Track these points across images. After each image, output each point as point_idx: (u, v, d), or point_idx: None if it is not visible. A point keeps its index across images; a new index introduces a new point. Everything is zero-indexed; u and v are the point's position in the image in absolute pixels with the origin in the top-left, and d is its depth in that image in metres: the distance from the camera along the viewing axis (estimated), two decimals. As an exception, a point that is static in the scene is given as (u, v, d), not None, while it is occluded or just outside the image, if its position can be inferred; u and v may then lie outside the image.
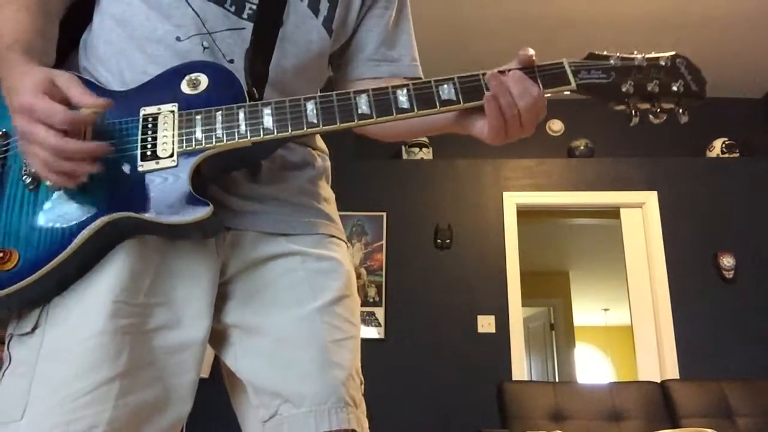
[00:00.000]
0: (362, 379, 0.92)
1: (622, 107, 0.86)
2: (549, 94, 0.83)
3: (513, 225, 4.12)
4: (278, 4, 0.91)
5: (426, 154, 4.41)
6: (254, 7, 0.90)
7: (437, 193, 4.21)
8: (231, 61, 0.88)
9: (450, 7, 3.76)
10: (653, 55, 0.87)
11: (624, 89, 0.85)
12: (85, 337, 0.76)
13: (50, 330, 0.77)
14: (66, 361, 0.75)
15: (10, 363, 0.78)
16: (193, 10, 0.87)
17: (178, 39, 0.87)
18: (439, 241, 4.05)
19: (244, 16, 0.90)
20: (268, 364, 0.87)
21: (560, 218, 4.91)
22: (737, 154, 4.30)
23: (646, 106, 0.86)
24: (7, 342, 0.80)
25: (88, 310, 0.77)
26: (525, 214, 4.25)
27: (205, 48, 0.87)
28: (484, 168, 4.25)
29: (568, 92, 0.85)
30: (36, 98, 0.72)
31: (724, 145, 4.31)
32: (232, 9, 0.89)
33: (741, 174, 4.14)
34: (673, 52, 0.87)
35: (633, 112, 0.86)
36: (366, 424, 0.89)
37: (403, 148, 4.41)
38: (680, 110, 0.87)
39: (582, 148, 4.40)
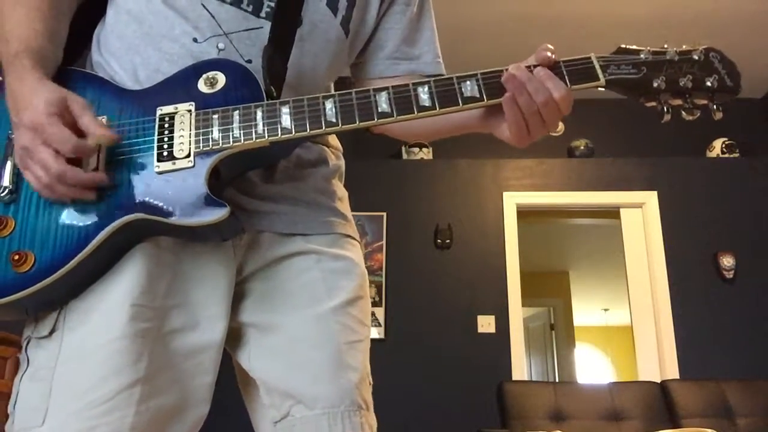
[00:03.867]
0: (371, 380, 0.91)
1: (653, 104, 0.83)
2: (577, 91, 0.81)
3: (513, 225, 4.11)
4: (297, 1, 0.90)
5: (426, 154, 4.41)
6: (272, 5, 0.88)
7: (437, 193, 4.21)
8: (249, 62, 0.86)
9: (447, 7, 3.76)
10: (685, 48, 0.83)
11: (656, 85, 0.82)
12: (105, 341, 0.75)
13: (68, 333, 0.76)
14: (86, 365, 0.74)
15: (28, 366, 0.77)
16: (208, 12, 0.86)
17: (195, 40, 0.86)
18: (439, 241, 4.05)
19: (262, 15, 0.88)
20: (282, 363, 0.86)
21: (560, 218, 4.91)
22: (737, 154, 4.30)
23: (679, 102, 0.83)
24: (24, 345, 0.79)
25: (107, 313, 0.76)
26: (525, 214, 4.25)
27: (220, 50, 0.86)
28: (484, 168, 4.25)
29: (603, 89, 0.82)
30: (47, 119, 0.72)
31: (724, 145, 4.31)
32: (250, 9, 0.88)
33: (741, 174, 4.14)
34: (705, 46, 0.84)
35: (665, 108, 0.83)
36: (375, 424, 0.88)
37: (403, 148, 4.41)
38: (714, 106, 0.83)
39: (582, 148, 4.40)
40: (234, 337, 0.90)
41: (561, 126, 4.57)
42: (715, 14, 3.83)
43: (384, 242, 4.06)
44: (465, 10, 3.83)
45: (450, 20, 3.84)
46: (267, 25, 0.88)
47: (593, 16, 3.88)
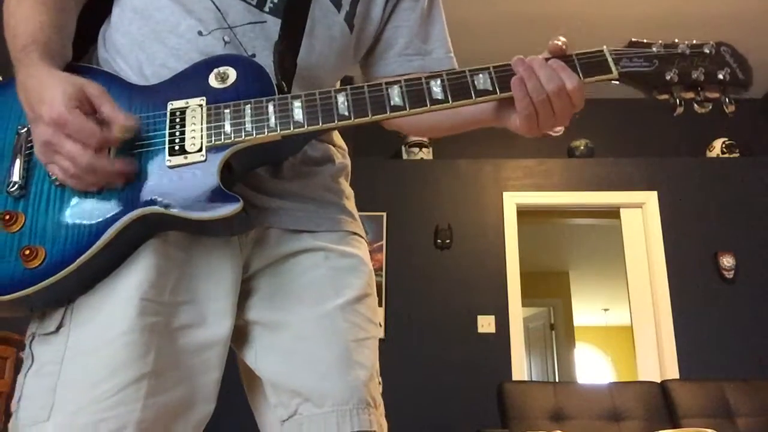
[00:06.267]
0: (380, 379, 0.90)
1: (665, 96, 0.83)
2: (590, 83, 0.81)
3: (513, 225, 4.11)
4: None
5: (426, 154, 4.41)
6: (275, 0, 0.88)
7: (437, 193, 4.21)
8: (253, 56, 0.87)
9: (447, 6, 3.76)
10: (697, 42, 0.84)
11: (668, 77, 0.82)
12: (113, 335, 0.74)
13: (76, 329, 0.76)
14: (94, 360, 0.74)
15: (33, 363, 0.77)
16: (213, 3, 0.86)
17: (200, 33, 0.86)
18: (439, 241, 4.05)
19: (266, 9, 0.88)
20: (289, 361, 0.86)
21: (560, 218, 4.91)
22: (737, 154, 4.30)
23: (691, 95, 0.83)
24: (29, 341, 0.79)
25: (115, 308, 0.75)
26: (525, 214, 4.25)
27: (226, 42, 0.86)
28: (484, 168, 4.25)
29: (616, 82, 0.82)
30: (69, 113, 0.71)
31: (724, 145, 4.31)
32: (254, 2, 0.88)
33: (741, 174, 4.14)
34: (716, 40, 0.84)
35: (677, 101, 0.83)
36: (385, 425, 0.88)
37: (403, 148, 4.41)
38: (726, 99, 0.83)
39: (582, 148, 4.40)
40: (240, 335, 0.89)
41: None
42: (715, 14, 3.83)
43: (384, 242, 4.06)
44: (465, 9, 3.83)
45: (449, 19, 3.84)
46: (270, 20, 0.88)
47: (593, 16, 3.88)
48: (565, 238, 6.29)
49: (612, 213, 4.32)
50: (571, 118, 0.82)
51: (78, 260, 0.73)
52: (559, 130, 0.85)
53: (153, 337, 0.76)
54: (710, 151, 4.37)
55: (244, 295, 0.88)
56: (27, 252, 0.72)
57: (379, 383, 0.90)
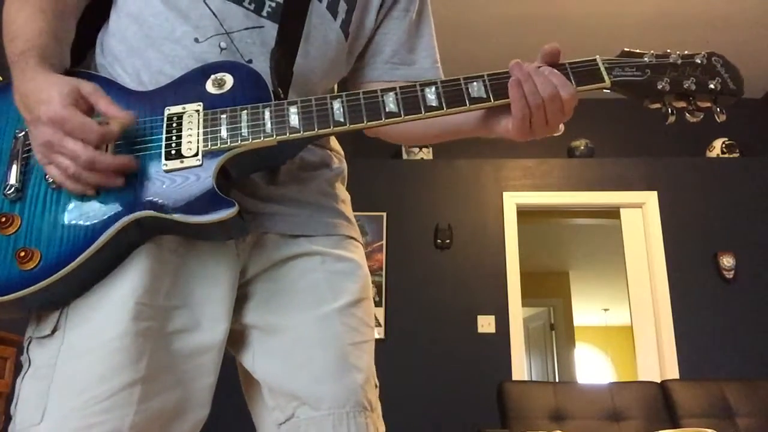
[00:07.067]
0: (377, 382, 0.91)
1: (657, 105, 0.85)
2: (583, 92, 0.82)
3: (513, 225, 4.12)
4: (302, 3, 0.90)
5: (426, 154, 4.41)
6: (273, 5, 0.89)
7: (437, 193, 4.21)
8: (249, 62, 0.87)
9: (445, 8, 3.76)
10: (688, 52, 0.85)
11: (660, 87, 0.83)
12: (107, 339, 0.75)
13: (70, 332, 0.76)
14: (87, 363, 0.74)
15: (29, 366, 0.77)
16: (210, 10, 0.86)
17: (196, 40, 0.86)
18: (439, 241, 4.05)
19: (264, 14, 0.88)
20: (286, 364, 0.86)
21: (560, 218, 4.91)
22: (737, 154, 4.30)
23: (682, 104, 0.85)
24: (26, 345, 0.79)
25: (110, 312, 0.76)
26: (525, 214, 4.25)
27: (222, 49, 0.86)
28: (484, 168, 4.25)
29: (608, 90, 0.84)
30: (66, 110, 0.72)
31: (724, 145, 4.31)
32: (252, 7, 0.88)
33: (741, 174, 4.14)
34: (708, 51, 0.86)
35: (669, 110, 0.84)
36: (382, 428, 0.88)
37: (403, 148, 4.40)
38: (718, 108, 0.85)
39: (582, 148, 4.40)
40: (238, 339, 0.89)
41: (561, 126, 4.56)
42: (715, 14, 3.83)
43: (384, 242, 4.06)
44: (464, 10, 3.83)
45: (449, 20, 3.84)
46: (268, 25, 0.88)
47: (593, 16, 3.88)
48: (565, 238, 6.29)
49: (612, 213, 4.32)
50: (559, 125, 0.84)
51: (73, 263, 0.73)
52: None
53: (147, 341, 0.76)
54: (710, 151, 4.37)
55: (242, 299, 0.88)
56: (22, 254, 0.73)
57: (376, 386, 0.90)
